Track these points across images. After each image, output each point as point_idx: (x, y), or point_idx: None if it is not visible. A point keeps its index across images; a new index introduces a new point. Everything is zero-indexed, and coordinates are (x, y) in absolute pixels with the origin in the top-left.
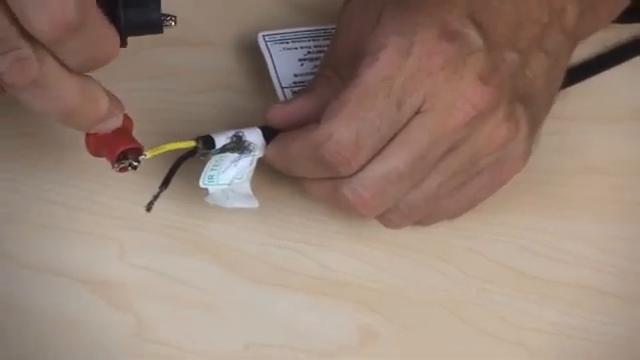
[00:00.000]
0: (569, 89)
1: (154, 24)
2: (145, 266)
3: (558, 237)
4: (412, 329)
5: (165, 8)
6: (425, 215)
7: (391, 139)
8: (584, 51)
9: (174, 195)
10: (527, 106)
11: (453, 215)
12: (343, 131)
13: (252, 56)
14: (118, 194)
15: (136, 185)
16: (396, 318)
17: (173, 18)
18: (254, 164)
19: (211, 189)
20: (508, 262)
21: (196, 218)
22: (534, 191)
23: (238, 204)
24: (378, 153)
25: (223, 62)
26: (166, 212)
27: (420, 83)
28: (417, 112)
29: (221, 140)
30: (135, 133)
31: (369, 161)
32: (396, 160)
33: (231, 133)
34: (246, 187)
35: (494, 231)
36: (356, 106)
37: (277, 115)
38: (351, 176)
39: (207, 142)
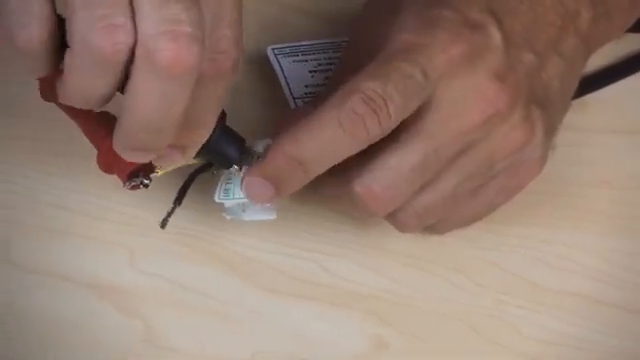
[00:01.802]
0: (586, 100)
1: (225, 162)
2: (155, 273)
3: (574, 249)
4: (424, 340)
5: None
6: (440, 219)
7: (405, 131)
8: (598, 60)
9: (185, 202)
10: (543, 109)
11: (468, 222)
12: (370, 84)
13: (263, 64)
14: (129, 200)
15: (148, 191)
16: (407, 329)
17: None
18: None
19: (227, 203)
20: (523, 273)
21: (207, 225)
22: (549, 203)
23: (256, 217)
24: (389, 147)
25: None
26: (177, 219)
27: (441, 64)
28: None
29: None
30: None
31: (383, 150)
32: (408, 153)
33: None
34: None
35: (508, 242)
36: (381, 66)
37: (288, 123)
38: (364, 167)
39: None
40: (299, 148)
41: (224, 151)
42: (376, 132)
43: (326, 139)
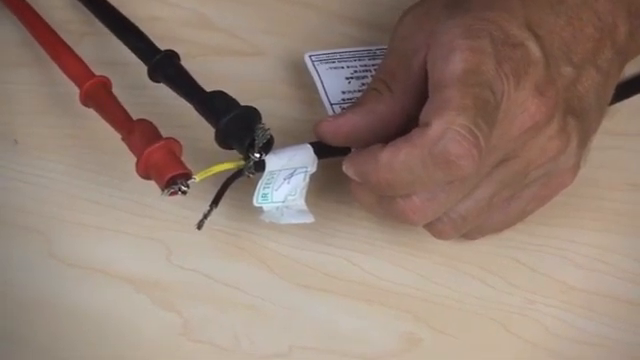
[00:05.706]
0: (618, 106)
1: (238, 147)
2: (192, 268)
3: (602, 250)
4: (455, 338)
5: (216, 18)
6: (475, 227)
7: None
8: (630, 69)
9: (221, 201)
10: (579, 120)
11: (501, 228)
12: (459, 119)
13: (300, 66)
14: (166, 196)
15: None
16: (439, 326)
17: (252, 172)
18: (307, 180)
19: (265, 207)
20: (553, 274)
21: (243, 222)
22: (579, 205)
23: (293, 220)
24: None
25: (271, 71)
26: (213, 216)
27: (501, 85)
28: None
29: (272, 163)
30: (184, 139)
31: None
32: None
33: (282, 154)
34: (300, 203)
35: (538, 243)
36: (461, 94)
37: (328, 129)
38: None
39: (257, 164)
40: (370, 176)
41: (235, 135)
42: (470, 167)
43: (408, 179)
